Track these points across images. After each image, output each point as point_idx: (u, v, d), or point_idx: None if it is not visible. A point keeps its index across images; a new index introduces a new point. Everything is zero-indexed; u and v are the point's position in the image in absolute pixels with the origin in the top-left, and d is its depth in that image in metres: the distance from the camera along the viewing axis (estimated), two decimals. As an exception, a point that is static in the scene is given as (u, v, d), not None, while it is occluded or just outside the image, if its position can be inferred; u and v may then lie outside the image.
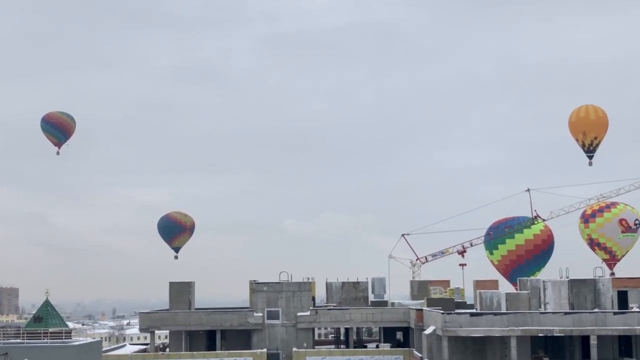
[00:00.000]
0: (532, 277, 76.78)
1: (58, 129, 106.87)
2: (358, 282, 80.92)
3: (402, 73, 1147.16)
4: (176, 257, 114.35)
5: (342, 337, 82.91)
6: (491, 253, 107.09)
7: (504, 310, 62.07)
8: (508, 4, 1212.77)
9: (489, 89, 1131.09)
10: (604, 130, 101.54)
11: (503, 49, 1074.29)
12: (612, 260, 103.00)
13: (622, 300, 71.13)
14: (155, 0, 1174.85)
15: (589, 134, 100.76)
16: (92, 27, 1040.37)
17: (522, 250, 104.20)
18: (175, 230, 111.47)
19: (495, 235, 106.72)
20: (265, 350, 70.94)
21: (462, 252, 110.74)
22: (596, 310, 61.71)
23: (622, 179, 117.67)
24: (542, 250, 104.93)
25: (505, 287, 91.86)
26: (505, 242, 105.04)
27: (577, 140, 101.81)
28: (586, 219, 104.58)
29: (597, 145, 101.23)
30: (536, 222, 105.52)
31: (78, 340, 58.54)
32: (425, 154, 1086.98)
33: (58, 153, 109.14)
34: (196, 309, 78.09)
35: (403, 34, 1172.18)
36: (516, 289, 72.46)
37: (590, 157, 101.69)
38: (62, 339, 54.63)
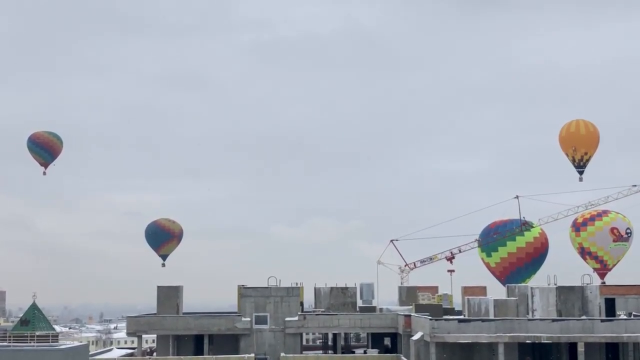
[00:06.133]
0: (520, 284, 76.77)
1: (45, 149, 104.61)
2: (346, 288, 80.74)
3: (390, 80, 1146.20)
4: (163, 265, 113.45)
5: (330, 343, 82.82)
6: (489, 255, 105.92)
7: (491, 317, 62.17)
8: (497, 12, 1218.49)
9: (478, 96, 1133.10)
10: (595, 146, 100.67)
11: (492, 56, 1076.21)
12: (603, 269, 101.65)
13: (610, 307, 71.29)
14: (143, 8, 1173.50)
15: (579, 150, 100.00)
16: (79, 32, 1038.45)
17: (522, 252, 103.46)
18: (163, 237, 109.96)
19: (485, 240, 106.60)
20: (253, 355, 70.61)
21: (450, 259, 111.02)
22: (584, 317, 61.78)
23: (610, 186, 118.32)
24: (540, 253, 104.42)
25: (498, 290, 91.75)
26: (506, 245, 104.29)
27: (567, 155, 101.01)
28: (577, 227, 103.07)
29: (588, 160, 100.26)
30: (526, 228, 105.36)
31: (65, 344, 58.18)
32: (414, 161, 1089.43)
33: (44, 173, 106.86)
34: (184, 313, 77.81)
35: (390, 41, 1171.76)
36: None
37: (581, 173, 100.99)
38: (49, 342, 54.26)
